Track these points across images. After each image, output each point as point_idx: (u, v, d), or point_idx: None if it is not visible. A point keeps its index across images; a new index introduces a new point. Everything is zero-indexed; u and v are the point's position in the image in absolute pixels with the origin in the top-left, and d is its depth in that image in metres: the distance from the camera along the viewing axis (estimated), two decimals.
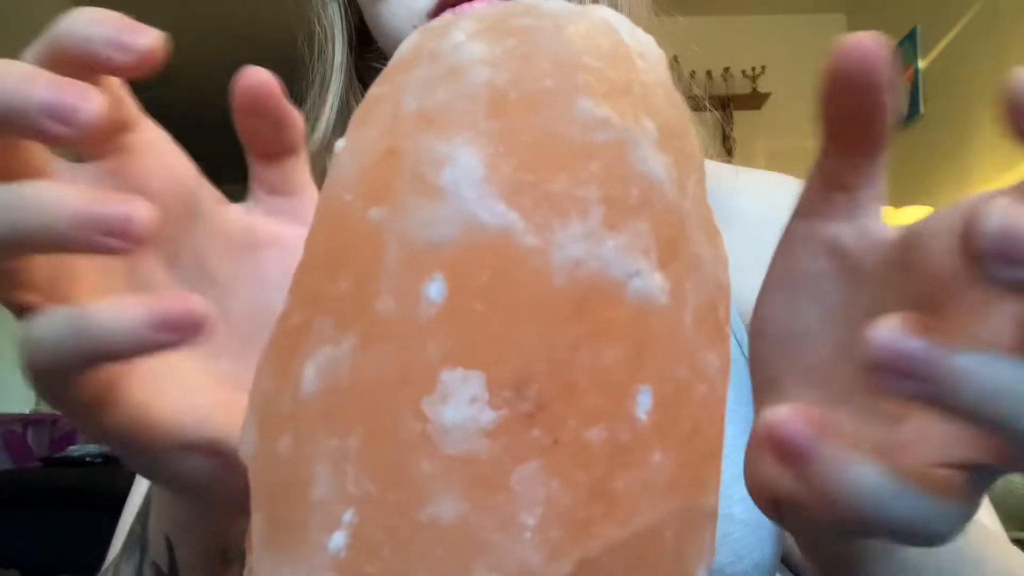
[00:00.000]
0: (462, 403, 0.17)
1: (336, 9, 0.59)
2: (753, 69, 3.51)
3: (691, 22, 0.63)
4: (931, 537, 0.20)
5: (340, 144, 0.20)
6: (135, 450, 0.24)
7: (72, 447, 2.68)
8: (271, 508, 0.18)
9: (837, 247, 0.24)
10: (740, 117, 3.31)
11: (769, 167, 0.61)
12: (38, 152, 0.23)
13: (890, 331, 0.17)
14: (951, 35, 2.94)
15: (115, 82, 0.24)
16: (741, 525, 0.46)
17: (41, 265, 0.22)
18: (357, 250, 0.18)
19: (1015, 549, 0.35)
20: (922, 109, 3.12)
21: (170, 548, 0.31)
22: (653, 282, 0.18)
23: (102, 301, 0.21)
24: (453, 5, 0.47)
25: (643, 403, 0.18)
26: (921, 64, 3.14)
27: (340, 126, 0.56)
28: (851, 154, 0.23)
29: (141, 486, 0.52)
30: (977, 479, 0.20)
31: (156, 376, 0.24)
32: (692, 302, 0.19)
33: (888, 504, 0.19)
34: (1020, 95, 0.18)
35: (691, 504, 0.18)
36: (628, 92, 0.19)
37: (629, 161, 0.18)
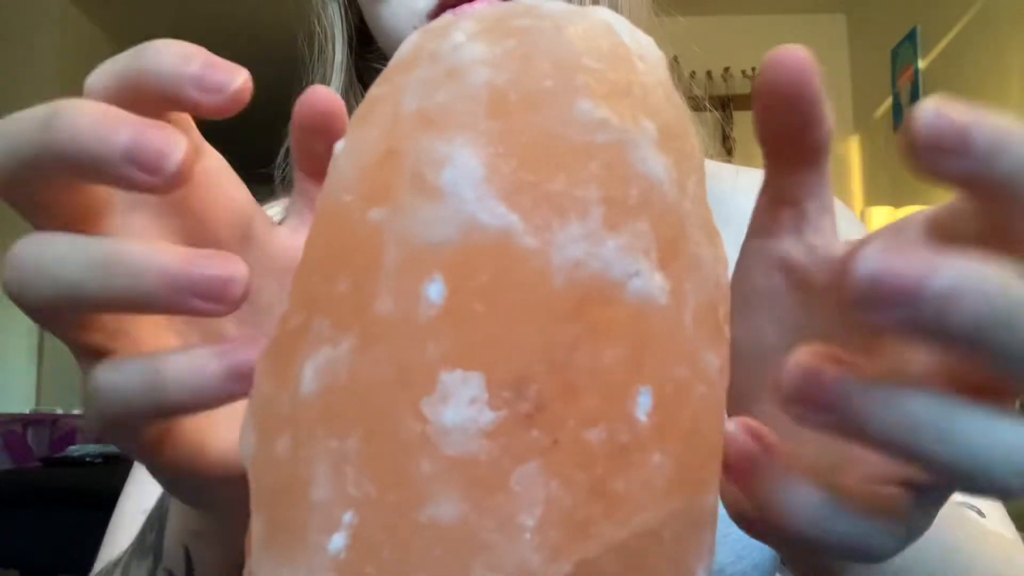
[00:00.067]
0: (461, 404, 0.17)
1: (336, 9, 0.59)
2: (753, 69, 3.51)
3: (691, 22, 0.63)
4: (870, 555, 0.20)
5: (340, 145, 0.20)
6: (185, 483, 0.24)
7: (72, 447, 2.67)
8: (270, 509, 0.18)
9: (789, 264, 0.24)
10: (740, 117, 3.31)
11: None
12: (102, 186, 0.22)
13: (799, 363, 0.18)
14: (951, 35, 2.94)
15: (184, 114, 0.23)
16: None
17: None
18: (356, 251, 0.18)
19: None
20: None
21: (188, 558, 0.31)
22: (653, 282, 0.18)
23: (177, 354, 0.20)
24: (453, 6, 0.47)
25: (643, 403, 0.18)
26: (921, 64, 3.14)
27: None
28: (792, 168, 0.23)
29: (134, 487, 0.52)
30: (923, 497, 0.20)
31: (210, 412, 0.23)
32: (692, 302, 0.19)
33: (824, 524, 0.19)
34: (927, 129, 0.17)
35: (691, 504, 0.18)
36: (628, 93, 0.19)
37: (629, 161, 0.18)
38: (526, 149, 0.18)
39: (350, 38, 0.59)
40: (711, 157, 0.60)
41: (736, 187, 0.57)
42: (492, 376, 0.17)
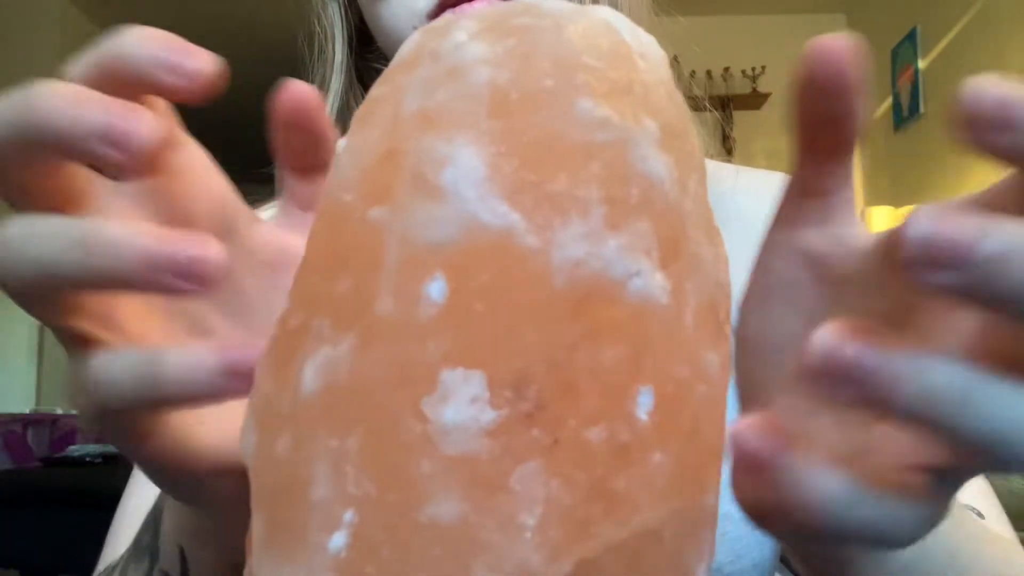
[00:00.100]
0: (462, 403, 0.17)
1: (336, 9, 0.59)
2: (753, 69, 3.51)
3: (691, 22, 0.63)
4: (894, 540, 0.20)
5: (341, 144, 0.20)
6: (171, 476, 0.24)
7: (72, 447, 2.68)
8: (271, 509, 0.18)
9: (813, 255, 0.24)
10: (740, 117, 3.31)
11: (769, 167, 0.61)
12: (83, 172, 0.22)
13: (825, 337, 0.18)
14: (951, 35, 2.94)
15: (162, 102, 0.23)
16: (740, 524, 0.46)
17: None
18: (357, 250, 0.18)
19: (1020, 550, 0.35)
20: (922, 109, 3.12)
21: (183, 559, 0.31)
22: (654, 282, 0.18)
23: (174, 349, 0.21)
24: (453, 5, 0.47)
25: (644, 403, 0.18)
26: (921, 64, 3.14)
27: (340, 126, 0.56)
28: (824, 159, 0.23)
29: (136, 487, 0.52)
30: (943, 482, 0.20)
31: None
32: (693, 302, 0.19)
33: (847, 510, 0.19)
34: (975, 105, 0.18)
35: (691, 504, 0.18)
36: (629, 92, 0.19)
37: (630, 161, 0.18)
38: (527, 148, 0.18)
39: (350, 38, 0.59)
40: (711, 157, 0.60)
41: (736, 187, 0.58)
42: (493, 375, 0.17)
